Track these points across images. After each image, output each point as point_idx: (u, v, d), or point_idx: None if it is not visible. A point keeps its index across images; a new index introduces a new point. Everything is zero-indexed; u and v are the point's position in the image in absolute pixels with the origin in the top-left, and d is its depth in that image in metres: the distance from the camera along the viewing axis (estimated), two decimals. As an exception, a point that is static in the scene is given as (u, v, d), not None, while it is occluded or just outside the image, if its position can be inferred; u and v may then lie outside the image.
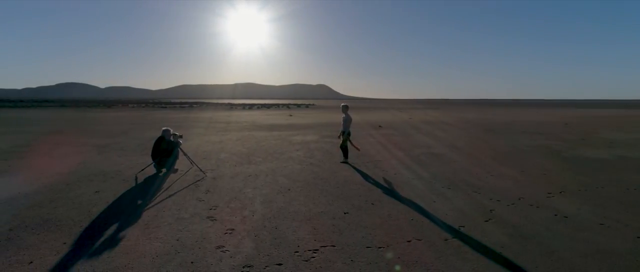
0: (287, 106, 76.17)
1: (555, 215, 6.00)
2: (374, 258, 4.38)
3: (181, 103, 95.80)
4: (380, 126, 24.14)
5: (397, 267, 4.14)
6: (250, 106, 72.93)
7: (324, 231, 5.27)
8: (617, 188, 7.78)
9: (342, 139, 10.48)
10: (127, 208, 6.25)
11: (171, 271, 4.04)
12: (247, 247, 4.69)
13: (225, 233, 5.15)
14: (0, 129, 20.31)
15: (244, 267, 4.15)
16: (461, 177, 8.76)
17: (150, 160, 9.21)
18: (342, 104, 11.05)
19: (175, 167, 9.31)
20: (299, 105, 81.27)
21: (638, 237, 5.08)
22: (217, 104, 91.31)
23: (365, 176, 8.79)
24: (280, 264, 4.22)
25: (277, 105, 78.91)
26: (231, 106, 72.67)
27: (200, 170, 9.14)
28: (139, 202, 6.63)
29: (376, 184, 8.07)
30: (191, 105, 79.25)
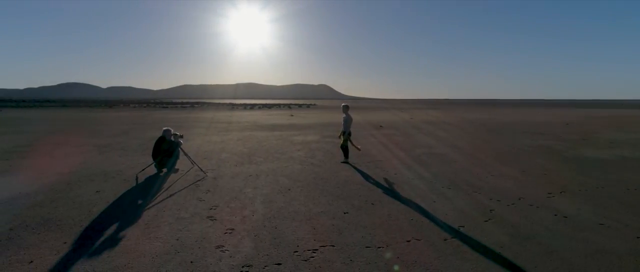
0: (289, 106, 76.17)
1: (555, 215, 6.00)
2: (373, 258, 4.38)
3: (182, 103, 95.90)
4: (381, 126, 24.14)
5: (396, 267, 4.15)
6: (252, 106, 72.98)
7: (323, 230, 5.27)
8: (617, 188, 7.77)
9: (342, 139, 10.48)
10: (127, 208, 6.27)
11: (171, 270, 4.05)
12: (247, 247, 4.70)
13: (225, 233, 5.16)
14: (1, 129, 20.37)
15: (243, 266, 4.16)
16: (462, 177, 8.75)
17: (151, 160, 9.23)
18: (343, 104, 11.06)
19: (176, 167, 9.33)
20: (300, 106, 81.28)
21: (638, 237, 5.08)
22: (219, 104, 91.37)
23: (366, 176, 8.79)
24: (279, 264, 4.23)
25: (279, 105, 78.94)
26: (232, 106, 72.72)
27: (201, 170, 9.15)
28: (140, 202, 6.64)
29: (376, 184, 8.08)
30: (192, 105, 79.33)
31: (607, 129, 22.23)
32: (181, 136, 9.88)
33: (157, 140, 9.21)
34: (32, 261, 4.23)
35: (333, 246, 4.74)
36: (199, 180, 8.29)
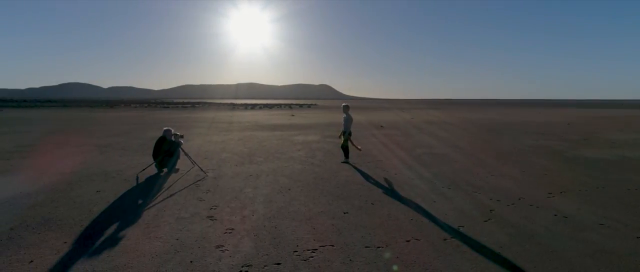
0: (290, 106, 76.19)
1: (555, 215, 5.99)
2: (373, 258, 4.39)
3: (183, 103, 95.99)
4: (382, 126, 24.14)
5: (395, 267, 4.15)
6: (253, 106, 73.01)
7: (323, 230, 5.28)
8: (618, 188, 7.76)
9: (343, 139, 10.48)
10: (127, 208, 6.28)
11: (170, 270, 4.06)
12: (247, 246, 4.71)
13: (225, 233, 5.17)
14: (3, 129, 20.41)
15: (242, 266, 4.16)
16: (462, 177, 8.75)
17: (151, 160, 9.25)
18: (343, 104, 11.07)
19: (177, 167, 9.34)
20: (301, 106, 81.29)
21: (638, 237, 5.07)
22: (220, 104, 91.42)
23: (366, 176, 8.79)
24: (278, 264, 4.23)
25: (280, 106, 78.97)
26: (233, 106, 72.76)
27: (201, 170, 9.16)
28: (140, 201, 6.65)
29: (376, 184, 8.08)
30: (193, 105, 79.40)
31: (608, 129, 22.20)
32: (182, 136, 9.89)
33: (157, 140, 9.22)
34: (32, 261, 4.24)
35: (332, 245, 4.74)
36: (199, 180, 8.30)
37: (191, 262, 4.24)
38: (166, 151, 9.05)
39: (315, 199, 6.83)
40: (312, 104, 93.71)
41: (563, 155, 12.20)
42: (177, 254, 4.44)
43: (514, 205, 6.55)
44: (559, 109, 70.02)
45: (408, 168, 9.83)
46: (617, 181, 8.47)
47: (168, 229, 5.29)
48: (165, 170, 9.06)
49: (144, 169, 9.06)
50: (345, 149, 10.52)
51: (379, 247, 4.70)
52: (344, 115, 10.49)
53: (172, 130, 9.52)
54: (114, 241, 4.86)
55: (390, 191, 7.46)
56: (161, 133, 9.39)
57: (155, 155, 9.03)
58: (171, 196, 7.02)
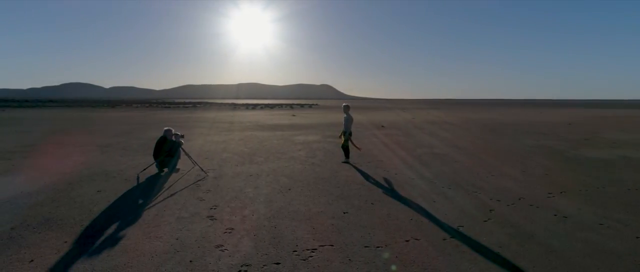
0: (291, 106, 76.20)
1: (555, 215, 5.99)
2: (372, 257, 4.39)
3: (185, 103, 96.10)
4: (383, 126, 24.13)
5: (394, 267, 4.15)
6: (254, 106, 73.05)
7: (323, 230, 5.28)
8: (618, 188, 7.75)
9: (343, 139, 10.49)
10: (128, 207, 6.29)
11: (170, 269, 4.07)
12: (246, 246, 4.72)
13: (225, 232, 5.18)
14: (4, 129, 20.47)
15: (242, 266, 4.17)
16: (462, 177, 8.75)
17: (152, 160, 9.26)
18: (344, 104, 11.08)
19: (177, 167, 9.35)
20: (302, 106, 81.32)
21: (637, 237, 5.07)
22: (221, 104, 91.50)
23: (366, 176, 8.80)
24: (278, 263, 4.24)
25: (281, 105, 79.00)
26: (234, 106, 72.82)
27: (202, 170, 9.18)
28: (140, 201, 6.67)
29: (377, 183, 8.08)
30: (195, 105, 79.49)
31: (610, 129, 22.16)
32: (182, 136, 9.91)
33: (158, 140, 9.24)
34: (32, 260, 4.26)
35: (332, 245, 4.75)
36: (199, 180, 8.31)
37: (191, 261, 4.25)
38: (167, 151, 9.07)
39: (315, 199, 6.84)
40: (313, 104, 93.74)
41: (564, 155, 12.19)
42: (176, 254, 4.45)
43: (514, 205, 6.54)
44: (560, 109, 69.92)
45: (408, 168, 9.83)
46: (617, 181, 8.46)
47: (168, 228, 5.31)
48: (166, 170, 9.08)
49: (144, 169, 9.09)
50: (345, 149, 10.53)
51: (378, 247, 4.71)
52: (345, 115, 10.50)
53: (173, 131, 9.54)
54: (114, 240, 4.87)
55: (390, 191, 7.46)
56: (162, 133, 9.40)
57: (156, 155, 9.05)
58: (171, 195, 7.03)
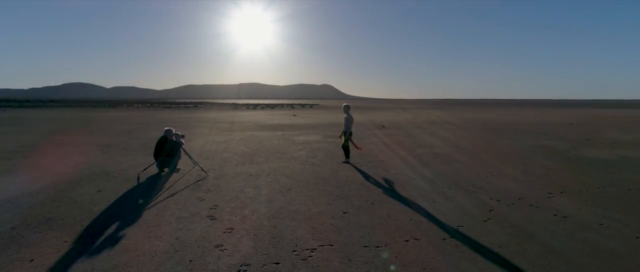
0: (292, 106, 76.24)
1: (555, 215, 5.99)
2: (371, 257, 4.40)
3: (186, 103, 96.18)
4: (383, 126, 24.13)
5: (393, 267, 4.16)
6: (255, 106, 73.10)
7: (322, 230, 5.29)
8: (618, 188, 7.74)
9: (343, 139, 10.50)
10: (128, 207, 6.30)
11: (170, 269, 4.08)
12: (246, 246, 4.72)
13: (225, 232, 5.19)
14: (6, 129, 20.51)
15: (241, 266, 4.18)
16: (462, 177, 8.75)
17: (152, 160, 9.28)
18: (344, 104, 11.09)
19: (178, 167, 9.37)
20: (303, 106, 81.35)
21: (637, 237, 5.06)
22: (222, 104, 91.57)
23: (366, 176, 8.80)
24: (277, 263, 4.24)
25: (282, 105, 79.03)
26: (235, 106, 72.87)
27: (202, 170, 9.19)
28: (141, 201, 6.68)
29: (377, 183, 8.09)
30: (196, 105, 79.55)
31: (611, 130, 22.14)
32: (183, 136, 9.92)
33: (158, 140, 9.25)
34: (33, 260, 4.27)
35: (331, 245, 4.75)
36: (200, 180, 8.32)
37: (190, 261, 4.26)
38: (167, 151, 9.08)
39: (315, 199, 6.85)
40: (314, 104, 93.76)
41: (564, 155, 12.18)
42: (176, 254, 4.46)
43: (514, 205, 6.54)
44: (562, 108, 69.86)
45: (409, 168, 9.83)
46: (618, 181, 8.45)
47: (168, 228, 5.31)
48: (166, 170, 9.09)
49: (145, 169, 9.10)
50: (345, 148, 10.54)
51: (377, 246, 4.72)
52: (345, 115, 10.51)
53: (173, 131, 9.56)
54: (114, 240, 4.89)
55: (390, 191, 7.47)
56: (162, 133, 9.42)
57: (156, 155, 9.06)
58: (172, 195, 7.04)
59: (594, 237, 5.06)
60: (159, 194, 7.16)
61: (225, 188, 7.62)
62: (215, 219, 5.75)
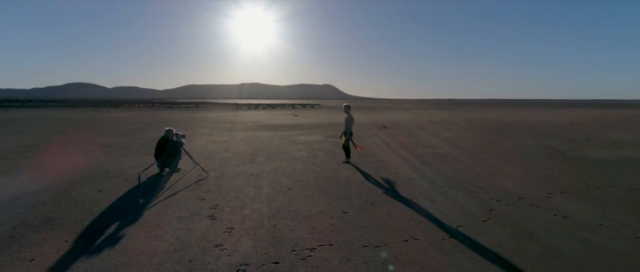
0: (293, 106, 76.28)
1: (555, 215, 5.99)
2: (370, 257, 4.40)
3: (187, 103, 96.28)
4: (385, 126, 24.12)
5: (391, 267, 4.16)
6: (256, 106, 73.15)
7: (322, 230, 5.30)
8: (618, 188, 7.73)
9: (344, 139, 10.51)
10: (128, 207, 6.32)
11: (169, 268, 4.09)
12: (245, 245, 4.73)
13: (225, 232, 5.20)
14: (8, 129, 20.56)
15: (241, 265, 4.19)
16: (463, 177, 8.75)
17: (153, 159, 9.29)
18: (344, 104, 11.10)
19: (178, 166, 9.38)
20: (304, 106, 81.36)
21: (637, 237, 5.06)
22: (223, 104, 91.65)
23: (367, 176, 8.81)
24: (276, 263, 4.25)
25: (283, 106, 79.05)
26: (237, 106, 72.93)
27: (203, 169, 9.20)
28: (141, 201, 6.70)
29: (377, 183, 8.09)
30: (197, 105, 79.60)
31: (612, 130, 22.10)
32: (183, 136, 9.94)
33: (159, 140, 9.27)
34: (33, 259, 4.29)
35: (331, 245, 4.76)
36: (200, 179, 8.34)
37: (190, 261, 4.28)
38: (168, 151, 9.10)
39: (315, 199, 6.85)
40: (315, 104, 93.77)
41: (565, 155, 12.17)
42: (176, 253, 4.47)
43: (514, 205, 6.54)
44: (563, 109, 69.75)
45: (409, 168, 9.84)
46: (618, 181, 8.44)
47: (168, 228, 5.33)
48: (167, 170, 9.11)
49: (145, 169, 9.12)
50: (346, 148, 10.55)
51: (377, 246, 4.72)
52: (345, 115, 10.52)
53: (174, 131, 9.57)
54: (114, 239, 4.90)
55: (390, 191, 7.47)
56: (163, 133, 9.43)
57: (157, 155, 9.08)
58: (172, 195, 7.06)
59: (593, 237, 5.06)
60: (160, 193, 7.18)
61: (225, 188, 7.64)
62: (215, 218, 5.76)
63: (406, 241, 4.92)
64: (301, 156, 11.66)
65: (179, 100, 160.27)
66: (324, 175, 8.89)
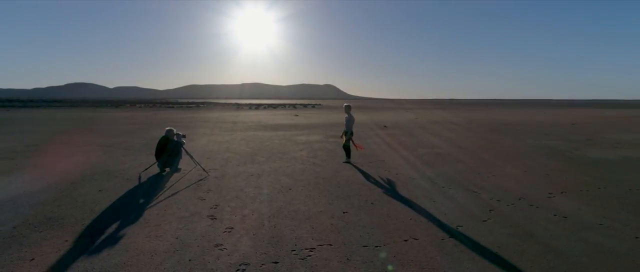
0: (294, 106, 76.31)
1: (555, 215, 5.98)
2: (370, 257, 4.41)
3: (188, 103, 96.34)
4: (385, 126, 24.12)
5: (390, 267, 4.16)
6: (257, 106, 73.17)
7: (322, 229, 5.30)
8: (619, 189, 7.72)
9: (344, 138, 10.52)
10: (129, 207, 6.33)
11: (169, 268, 4.10)
12: (245, 245, 4.74)
13: (225, 232, 5.21)
14: (9, 129, 20.61)
15: (240, 265, 4.20)
16: (463, 177, 8.75)
17: (154, 159, 9.31)
18: (345, 104, 11.10)
19: (179, 166, 9.40)
20: (305, 106, 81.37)
21: (637, 237, 5.06)
22: (224, 104, 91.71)
23: (367, 176, 8.81)
24: (276, 263, 4.26)
25: (284, 106, 79.07)
26: (238, 106, 72.97)
27: (203, 169, 9.21)
28: (141, 201, 6.71)
29: (377, 183, 8.10)
30: (198, 105, 79.66)
31: (613, 130, 22.07)
32: (184, 136, 9.95)
33: (160, 140, 9.28)
34: (33, 259, 4.30)
35: (330, 245, 4.77)
36: (201, 179, 8.35)
37: (190, 260, 4.28)
38: (169, 151, 9.11)
39: (316, 199, 6.86)
40: (316, 104, 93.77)
41: (566, 155, 12.16)
42: (176, 253, 4.48)
43: (514, 205, 6.54)
44: (564, 109, 69.66)
45: (410, 168, 9.84)
46: (618, 181, 8.43)
47: (168, 228, 5.34)
48: (167, 170, 9.13)
49: (146, 169, 9.14)
50: (346, 148, 10.55)
51: (376, 246, 4.73)
52: (346, 115, 10.53)
53: (175, 130, 9.59)
54: (114, 239, 4.91)
55: (390, 191, 7.47)
56: (164, 133, 9.45)
57: (157, 155, 9.09)
58: (173, 195, 7.07)
59: (593, 237, 5.05)
60: (160, 193, 7.19)
61: (226, 188, 7.65)
62: (215, 218, 5.77)
63: (406, 240, 4.92)
64: (302, 156, 11.66)
65: (180, 101, 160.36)
66: (324, 175, 8.89)
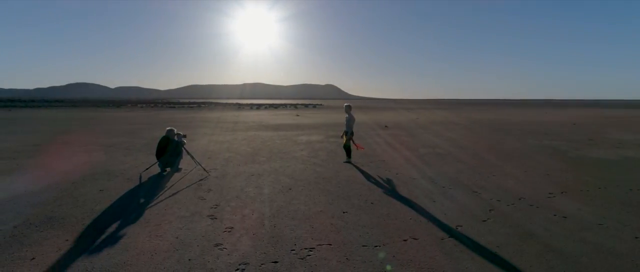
0: (295, 106, 76.31)
1: (555, 215, 5.98)
2: (369, 257, 4.41)
3: (190, 103, 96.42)
4: (386, 126, 24.12)
5: (389, 267, 4.17)
6: (258, 106, 73.20)
7: (321, 229, 5.31)
8: (619, 189, 7.71)
9: (345, 138, 10.52)
10: (129, 206, 6.35)
11: (169, 268, 4.11)
12: (245, 245, 4.75)
13: (225, 231, 5.22)
14: (11, 129, 20.65)
15: (240, 264, 4.21)
16: (464, 177, 8.75)
17: (155, 159, 9.32)
18: (345, 104, 11.11)
19: (180, 166, 9.41)
20: (306, 106, 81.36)
21: (637, 237, 5.05)
22: (226, 104, 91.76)
23: (367, 176, 8.82)
24: (276, 262, 4.27)
25: (285, 106, 79.09)
26: (239, 106, 73.01)
27: (204, 169, 9.22)
28: (142, 200, 6.72)
29: (377, 183, 8.10)
30: (199, 105, 79.72)
31: (614, 130, 22.03)
32: (185, 136, 9.96)
33: (160, 139, 9.30)
34: (34, 258, 4.32)
35: (330, 244, 4.77)
36: (201, 179, 8.36)
37: (189, 260, 4.29)
38: (170, 151, 9.13)
39: (316, 199, 6.87)
40: (317, 104, 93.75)
41: (567, 155, 12.14)
42: (176, 253, 4.49)
43: (514, 205, 6.54)
44: (565, 109, 69.56)
45: (410, 168, 9.84)
46: (619, 181, 8.42)
47: (169, 227, 5.35)
48: (168, 170, 9.14)
49: (147, 169, 9.15)
50: (347, 148, 10.56)
51: (376, 246, 4.73)
52: (346, 115, 10.54)
53: (176, 130, 9.60)
54: (114, 239, 4.93)
55: (390, 191, 7.48)
56: (165, 133, 9.46)
57: (158, 155, 9.11)
58: (173, 195, 7.09)
59: (593, 237, 5.05)
60: (161, 193, 7.21)
61: (226, 188, 7.66)
62: (215, 218, 5.78)
63: (405, 240, 4.92)
64: (302, 156, 11.67)
65: (181, 101, 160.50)
66: (325, 175, 8.90)
